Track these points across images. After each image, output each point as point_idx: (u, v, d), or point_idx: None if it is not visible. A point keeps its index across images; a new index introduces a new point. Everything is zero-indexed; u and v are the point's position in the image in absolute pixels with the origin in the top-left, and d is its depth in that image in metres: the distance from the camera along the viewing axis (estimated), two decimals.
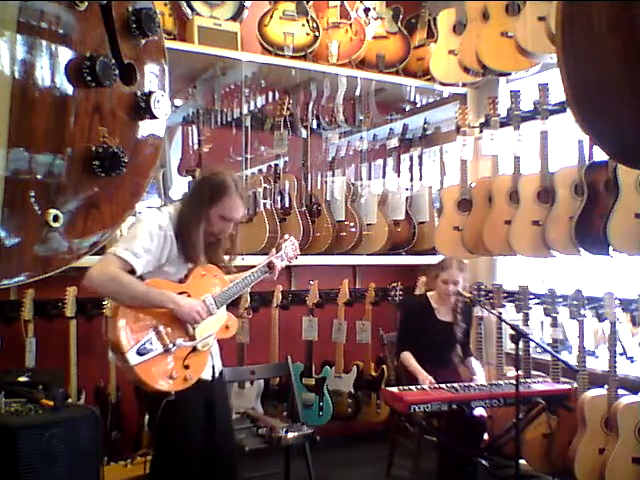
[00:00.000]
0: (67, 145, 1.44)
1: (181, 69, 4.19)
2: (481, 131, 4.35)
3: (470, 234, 4.10)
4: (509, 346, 3.92)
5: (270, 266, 2.75)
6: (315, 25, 4.51)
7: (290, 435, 3.27)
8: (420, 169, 4.92)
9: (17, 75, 1.34)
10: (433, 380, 3.46)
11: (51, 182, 1.42)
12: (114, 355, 2.34)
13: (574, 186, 3.65)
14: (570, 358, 3.77)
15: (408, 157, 4.97)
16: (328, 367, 4.47)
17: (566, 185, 3.69)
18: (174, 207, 2.51)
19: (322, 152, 4.85)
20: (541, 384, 3.52)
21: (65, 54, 1.42)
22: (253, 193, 4.20)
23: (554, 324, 3.74)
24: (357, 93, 4.76)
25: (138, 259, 2.31)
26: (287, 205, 4.38)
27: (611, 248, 3.44)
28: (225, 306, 2.59)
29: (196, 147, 4.39)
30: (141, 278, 2.38)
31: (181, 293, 2.44)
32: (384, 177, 4.94)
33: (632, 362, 3.60)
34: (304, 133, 4.58)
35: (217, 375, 2.62)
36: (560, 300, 3.75)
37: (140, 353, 2.27)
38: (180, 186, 4.30)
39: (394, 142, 4.95)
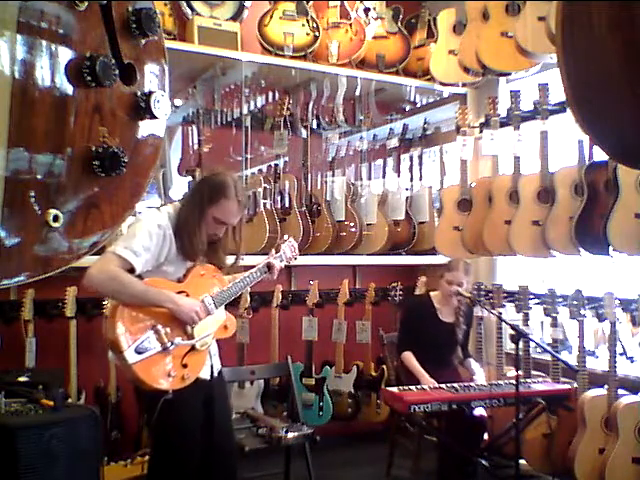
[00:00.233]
0: (67, 145, 1.44)
1: (181, 69, 4.19)
2: (481, 131, 4.35)
3: (470, 234, 4.10)
4: (509, 346, 3.92)
5: (269, 267, 2.75)
6: (315, 25, 4.51)
7: (290, 435, 3.27)
8: (420, 169, 4.92)
9: (17, 75, 1.34)
10: (436, 383, 3.46)
11: (51, 182, 1.42)
12: (112, 354, 2.35)
13: (574, 186, 3.66)
14: (570, 358, 3.77)
15: (408, 157, 4.97)
16: (328, 367, 4.47)
17: (566, 185, 3.69)
18: (173, 207, 2.52)
19: (322, 152, 4.85)
20: (541, 384, 3.52)
21: (65, 54, 1.42)
22: (253, 193, 4.20)
23: (554, 324, 3.74)
24: (357, 93, 4.76)
25: (137, 257, 2.32)
26: (287, 205, 4.38)
27: (611, 248, 3.44)
28: (224, 306, 2.60)
29: (196, 147, 4.39)
30: (140, 277, 2.38)
31: (180, 292, 2.44)
32: (384, 177, 4.94)
33: (632, 362, 3.60)
34: (304, 133, 4.58)
35: (216, 375, 2.62)
36: (560, 300, 3.75)
37: (138, 352, 2.27)
38: (180, 186, 4.30)
39: (394, 142, 4.95)
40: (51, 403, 2.63)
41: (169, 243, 2.42)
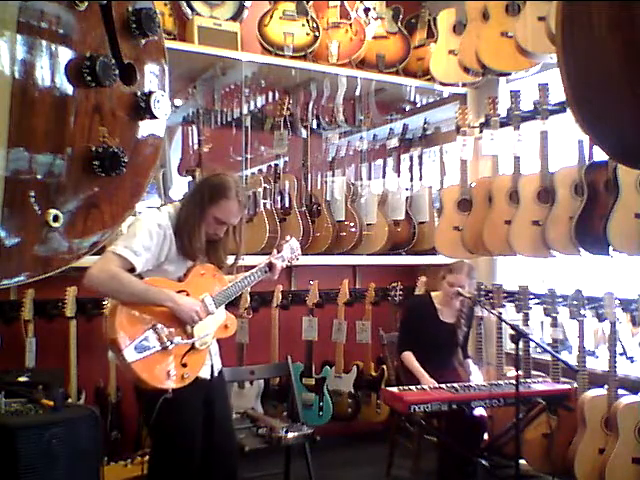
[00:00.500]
0: (67, 145, 1.44)
1: (181, 69, 4.20)
2: (481, 131, 4.35)
3: (470, 234, 4.10)
4: (509, 346, 3.92)
5: (270, 266, 2.75)
6: (315, 25, 4.51)
7: (290, 435, 3.27)
8: (420, 169, 4.92)
9: (17, 75, 1.34)
10: (436, 383, 3.46)
11: (51, 182, 1.42)
12: (112, 352, 2.35)
13: (574, 186, 3.65)
14: (570, 358, 3.77)
15: (408, 157, 4.97)
16: (328, 367, 4.47)
17: (566, 185, 3.69)
18: (174, 206, 2.53)
19: (322, 152, 4.85)
20: (541, 384, 3.52)
21: (65, 54, 1.42)
22: (253, 193, 4.20)
23: (554, 324, 3.74)
24: (357, 93, 4.76)
25: (138, 257, 2.32)
26: (287, 205, 4.38)
27: (611, 248, 3.44)
28: (224, 305, 2.60)
29: (196, 147, 4.39)
30: (140, 277, 2.39)
31: (180, 292, 2.44)
32: (384, 177, 4.94)
33: (632, 362, 3.60)
34: (304, 133, 4.58)
35: (216, 374, 2.62)
36: (560, 300, 3.75)
37: (137, 350, 2.27)
38: (180, 186, 4.30)
39: (394, 142, 4.95)
40: (51, 403, 2.63)
41: (169, 242, 2.42)
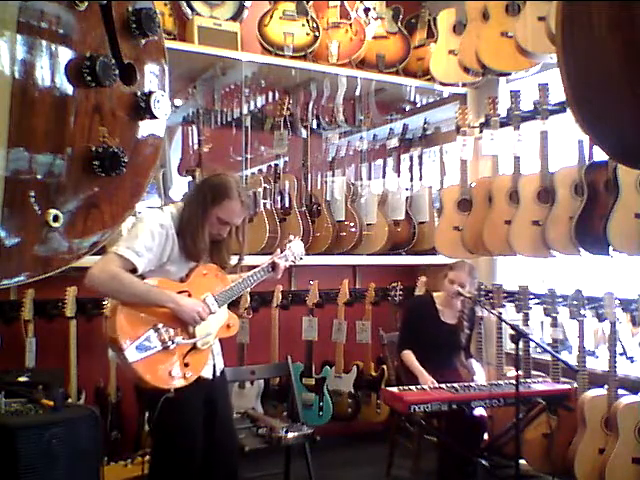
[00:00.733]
0: (67, 145, 1.44)
1: (181, 69, 4.20)
2: (481, 131, 4.35)
3: (470, 234, 4.10)
4: (509, 346, 3.92)
5: (274, 266, 2.76)
6: (315, 25, 4.51)
7: (290, 435, 3.27)
8: (420, 169, 4.92)
9: (17, 75, 1.34)
10: (435, 382, 3.46)
11: (51, 182, 1.42)
12: (113, 352, 2.35)
13: (574, 186, 3.65)
14: (570, 358, 3.77)
15: (408, 157, 4.97)
16: (328, 367, 4.47)
17: (566, 185, 3.69)
18: (176, 207, 2.53)
19: (322, 152, 4.85)
20: (541, 384, 3.52)
21: (65, 54, 1.42)
22: (253, 193, 4.19)
23: (554, 324, 3.74)
24: (357, 93, 4.76)
25: (140, 258, 2.32)
26: (287, 205, 4.38)
27: (611, 248, 3.44)
28: (226, 305, 2.60)
29: (196, 147, 4.39)
30: (142, 277, 2.39)
31: (182, 292, 2.45)
32: (384, 177, 4.94)
33: (632, 362, 3.60)
34: (304, 133, 4.58)
35: (218, 374, 2.63)
36: (560, 300, 3.75)
37: (138, 350, 2.28)
38: (180, 186, 4.30)
39: (394, 142, 4.95)
40: (51, 403, 2.63)
41: (172, 243, 2.43)
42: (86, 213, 1.52)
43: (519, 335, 2.96)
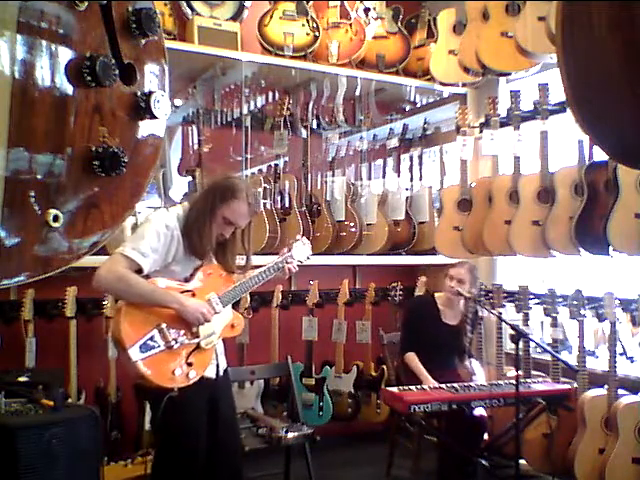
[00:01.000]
0: (67, 145, 1.44)
1: (181, 69, 4.20)
2: (481, 131, 4.35)
3: (470, 234, 4.10)
4: (509, 346, 3.92)
5: (279, 267, 2.76)
6: (315, 25, 4.51)
7: (290, 435, 3.27)
8: (420, 169, 4.92)
9: (17, 75, 1.34)
10: (437, 384, 3.46)
11: (51, 182, 1.42)
12: (117, 351, 2.36)
13: (574, 186, 3.65)
14: (570, 358, 3.77)
15: (408, 157, 4.97)
16: (328, 367, 4.47)
17: (566, 185, 3.69)
18: (182, 207, 2.55)
19: (322, 152, 4.85)
20: (541, 384, 3.52)
21: (65, 54, 1.42)
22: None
23: (554, 324, 3.74)
24: (357, 93, 4.76)
25: (145, 258, 2.36)
26: (287, 205, 4.38)
27: (611, 248, 3.44)
28: (231, 305, 2.62)
29: (196, 147, 4.39)
30: (147, 276, 2.41)
31: (186, 292, 2.47)
32: (384, 177, 4.94)
33: (632, 362, 3.60)
34: (304, 133, 4.58)
35: (221, 373, 2.64)
36: (560, 300, 3.75)
37: (142, 349, 2.31)
38: (180, 186, 4.30)
39: (394, 142, 4.95)
40: (51, 403, 2.64)
41: (177, 243, 2.45)
42: (86, 213, 1.52)
43: (519, 335, 2.96)
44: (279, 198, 4.38)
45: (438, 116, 5.04)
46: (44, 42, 1.38)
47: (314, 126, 4.76)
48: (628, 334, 3.62)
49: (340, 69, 4.57)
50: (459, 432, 3.41)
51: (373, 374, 4.60)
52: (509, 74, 4.20)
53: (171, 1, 4.15)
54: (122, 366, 3.67)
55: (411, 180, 4.91)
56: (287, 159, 4.52)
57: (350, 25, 4.63)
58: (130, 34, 1.55)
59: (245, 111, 4.44)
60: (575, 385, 3.55)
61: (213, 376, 2.57)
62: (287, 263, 2.76)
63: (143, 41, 1.59)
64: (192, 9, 4.20)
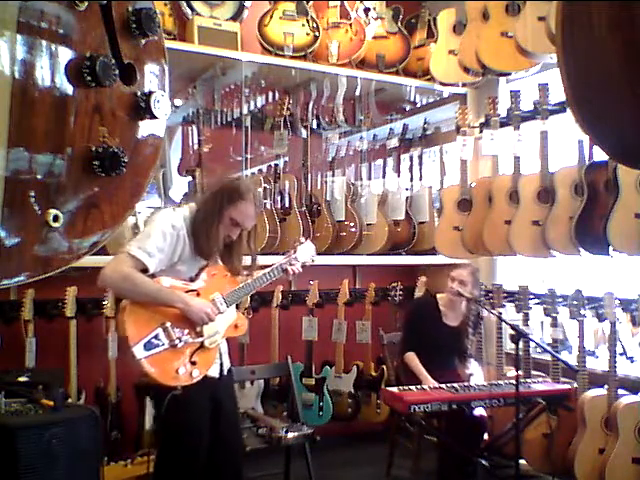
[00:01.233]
0: (67, 145, 1.44)
1: (181, 69, 4.20)
2: (481, 131, 4.35)
3: (470, 234, 4.10)
4: (509, 346, 3.92)
5: (284, 269, 2.77)
6: (315, 25, 4.51)
7: (290, 435, 3.27)
8: (420, 169, 4.92)
9: (17, 75, 1.34)
10: (437, 384, 3.46)
11: (51, 182, 1.42)
12: (123, 349, 2.38)
13: (574, 186, 3.65)
14: (570, 358, 3.77)
15: (408, 157, 4.97)
16: (328, 367, 4.47)
17: (566, 185, 3.69)
18: (189, 208, 2.57)
19: (322, 152, 4.85)
20: (541, 384, 3.52)
21: (65, 54, 1.42)
22: None
23: (554, 324, 3.74)
24: (357, 93, 4.76)
25: (151, 258, 2.38)
26: (287, 205, 4.38)
27: (611, 248, 3.44)
28: (235, 305, 2.63)
29: (196, 147, 4.39)
30: (153, 275, 2.43)
31: (191, 292, 2.49)
32: (384, 177, 4.94)
33: (632, 362, 3.60)
34: (304, 133, 4.58)
35: (225, 373, 2.65)
36: (560, 300, 3.75)
37: (146, 347, 2.33)
38: (180, 186, 4.30)
39: (394, 142, 4.95)
40: (51, 403, 2.63)
41: (182, 244, 2.47)
42: (86, 213, 1.52)
43: (519, 335, 2.96)
44: (279, 198, 4.38)
45: (438, 116, 5.04)
46: (44, 42, 1.38)
47: (314, 126, 4.76)
48: (628, 334, 3.62)
49: (340, 69, 4.57)
50: (459, 432, 3.41)
51: (373, 374, 4.60)
52: (509, 74, 4.20)
53: (171, 1, 4.15)
54: (122, 366, 3.68)
55: (411, 180, 4.91)
56: (287, 159, 4.52)
57: (350, 25, 4.63)
58: (130, 34, 1.55)
59: (245, 111, 4.45)
60: (575, 385, 3.55)
61: (217, 375, 2.59)
62: (291, 265, 2.77)
63: (143, 41, 1.59)
64: (192, 9, 4.20)
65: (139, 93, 1.57)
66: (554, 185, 3.74)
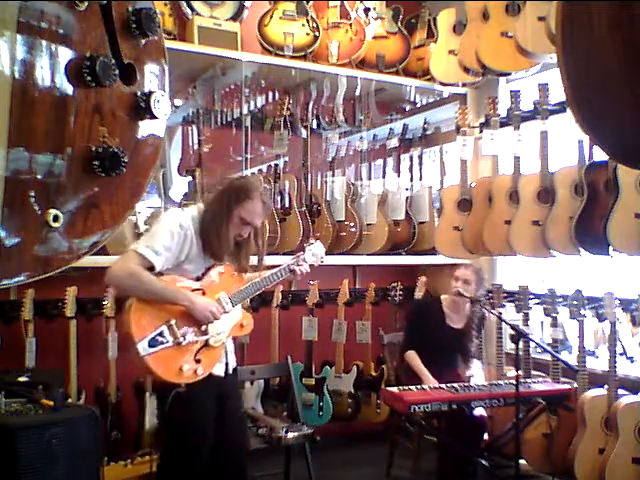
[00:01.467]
0: (67, 145, 1.44)
1: (181, 69, 4.20)
2: (481, 131, 4.35)
3: (470, 234, 4.10)
4: (509, 346, 3.92)
5: (292, 269, 2.78)
6: (315, 25, 4.51)
7: (290, 435, 3.27)
8: (420, 169, 4.92)
9: (17, 75, 1.34)
10: (437, 383, 3.46)
11: (51, 182, 1.42)
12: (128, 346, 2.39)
13: (574, 186, 3.65)
14: (570, 358, 3.77)
15: (408, 157, 4.97)
16: (328, 367, 4.47)
17: (566, 185, 3.69)
18: (197, 208, 2.59)
19: (322, 152, 4.85)
20: (541, 384, 3.52)
21: (65, 54, 1.42)
22: None
23: (554, 324, 3.74)
24: (357, 93, 4.76)
25: (158, 256, 2.40)
26: (287, 205, 4.38)
27: (611, 248, 3.44)
28: (241, 304, 2.63)
29: (196, 147, 4.39)
30: (160, 274, 2.44)
31: (197, 290, 2.50)
32: (384, 177, 4.94)
33: (632, 362, 3.60)
34: (304, 133, 4.58)
35: (230, 372, 2.66)
36: (560, 300, 3.75)
37: (151, 345, 2.34)
38: (180, 186, 4.30)
39: (394, 142, 4.95)
40: (51, 403, 2.63)
41: (190, 243, 2.48)
42: (86, 213, 1.52)
43: (519, 335, 2.96)
44: (279, 198, 4.38)
45: (438, 116, 5.04)
46: (44, 42, 1.38)
47: (314, 126, 4.76)
48: (628, 334, 3.62)
49: (340, 69, 4.57)
50: (459, 432, 3.41)
51: (373, 374, 4.60)
52: (509, 74, 4.20)
53: (171, 1, 4.15)
54: (122, 366, 3.68)
55: (411, 180, 4.91)
56: (287, 159, 4.52)
57: (350, 25, 4.63)
58: (130, 34, 1.55)
59: (245, 111, 4.45)
60: (575, 385, 3.55)
61: (222, 374, 2.61)
62: (298, 265, 2.78)
63: (143, 41, 1.59)
64: (192, 9, 4.20)
65: (139, 93, 1.58)
66: (554, 185, 3.74)
